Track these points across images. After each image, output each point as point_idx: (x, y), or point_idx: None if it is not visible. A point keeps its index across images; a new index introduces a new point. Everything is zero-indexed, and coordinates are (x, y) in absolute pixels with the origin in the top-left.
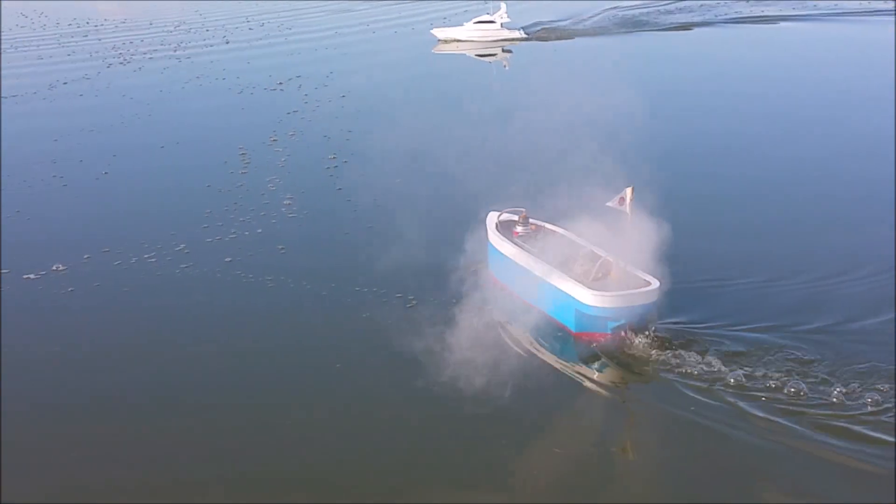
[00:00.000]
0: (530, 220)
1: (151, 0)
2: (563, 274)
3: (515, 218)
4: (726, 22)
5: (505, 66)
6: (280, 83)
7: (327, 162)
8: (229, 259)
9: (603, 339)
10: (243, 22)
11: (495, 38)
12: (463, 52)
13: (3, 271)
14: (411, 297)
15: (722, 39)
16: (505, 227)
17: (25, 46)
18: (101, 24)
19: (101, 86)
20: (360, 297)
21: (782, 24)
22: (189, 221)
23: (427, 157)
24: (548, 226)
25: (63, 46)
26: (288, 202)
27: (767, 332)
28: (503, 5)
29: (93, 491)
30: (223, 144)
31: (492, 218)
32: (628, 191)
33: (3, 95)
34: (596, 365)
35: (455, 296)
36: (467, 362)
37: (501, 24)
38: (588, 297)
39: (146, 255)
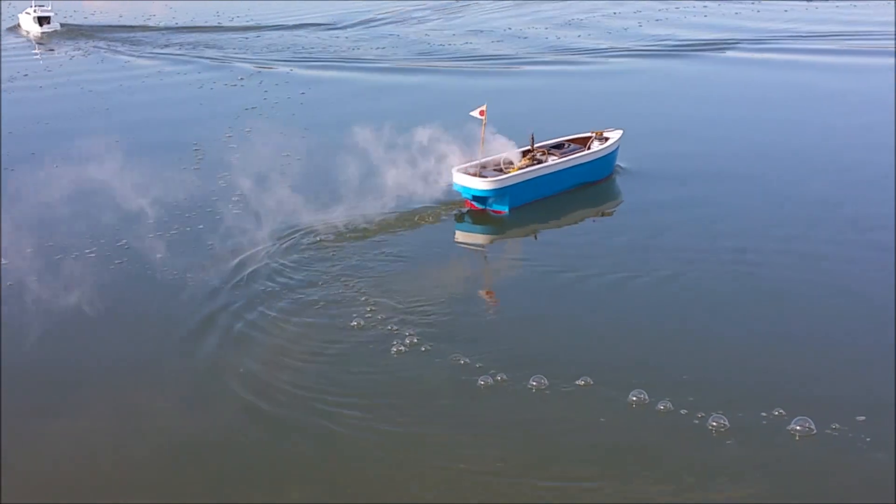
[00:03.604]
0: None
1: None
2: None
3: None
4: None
5: None
6: None
7: None
8: (160, 256)
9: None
10: (214, 15)
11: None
12: None
13: None
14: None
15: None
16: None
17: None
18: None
19: (61, 79)
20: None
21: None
22: (135, 217)
23: None
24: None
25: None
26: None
27: None
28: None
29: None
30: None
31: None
32: (484, 106)
33: None
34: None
35: None
36: None
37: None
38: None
39: (87, 251)
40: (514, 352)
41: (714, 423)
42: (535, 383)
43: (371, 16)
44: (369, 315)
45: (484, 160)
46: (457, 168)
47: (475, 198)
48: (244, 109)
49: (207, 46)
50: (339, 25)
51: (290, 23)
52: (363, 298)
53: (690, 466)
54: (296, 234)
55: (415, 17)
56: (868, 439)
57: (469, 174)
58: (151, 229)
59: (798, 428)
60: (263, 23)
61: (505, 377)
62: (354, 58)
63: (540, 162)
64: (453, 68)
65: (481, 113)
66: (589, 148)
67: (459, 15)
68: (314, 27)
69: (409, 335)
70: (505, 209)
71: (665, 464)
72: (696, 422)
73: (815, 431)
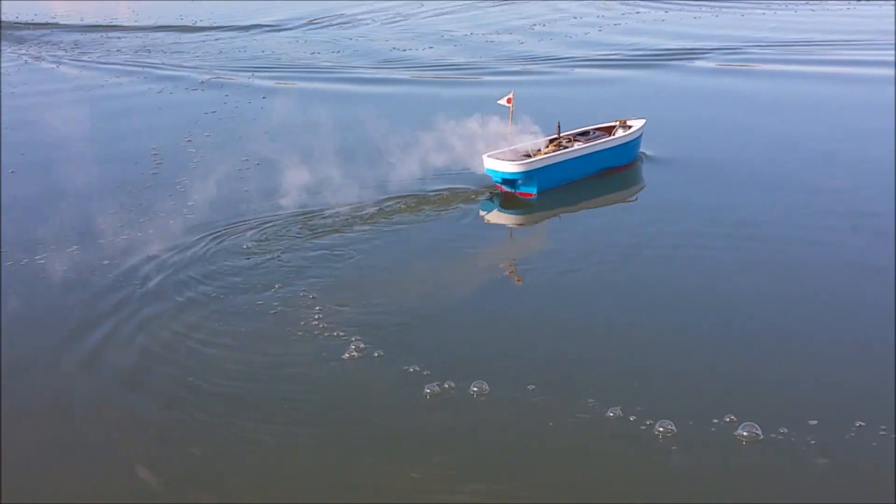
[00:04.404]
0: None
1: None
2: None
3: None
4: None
5: None
6: None
7: None
8: (106, 262)
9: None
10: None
11: None
12: None
13: None
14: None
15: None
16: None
17: None
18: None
19: (17, 83)
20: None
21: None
22: (89, 222)
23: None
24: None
25: None
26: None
27: None
28: None
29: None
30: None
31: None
32: (511, 94)
33: None
34: None
35: None
36: None
37: None
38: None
39: (37, 257)
40: (468, 357)
41: (661, 429)
42: (476, 389)
43: (329, 17)
44: (319, 319)
45: (512, 147)
46: (487, 154)
47: (504, 180)
48: (204, 114)
49: (166, 51)
50: (301, 28)
51: (246, 24)
52: (314, 300)
53: (632, 472)
54: (245, 232)
55: (373, 21)
56: (813, 442)
57: (499, 159)
58: (108, 233)
59: (745, 433)
60: (225, 25)
61: (452, 385)
62: (315, 66)
63: (566, 148)
64: (417, 78)
65: (508, 101)
66: (613, 135)
67: (420, 19)
68: (268, 29)
69: (358, 341)
70: (533, 191)
71: (607, 470)
72: (644, 428)
73: (761, 437)
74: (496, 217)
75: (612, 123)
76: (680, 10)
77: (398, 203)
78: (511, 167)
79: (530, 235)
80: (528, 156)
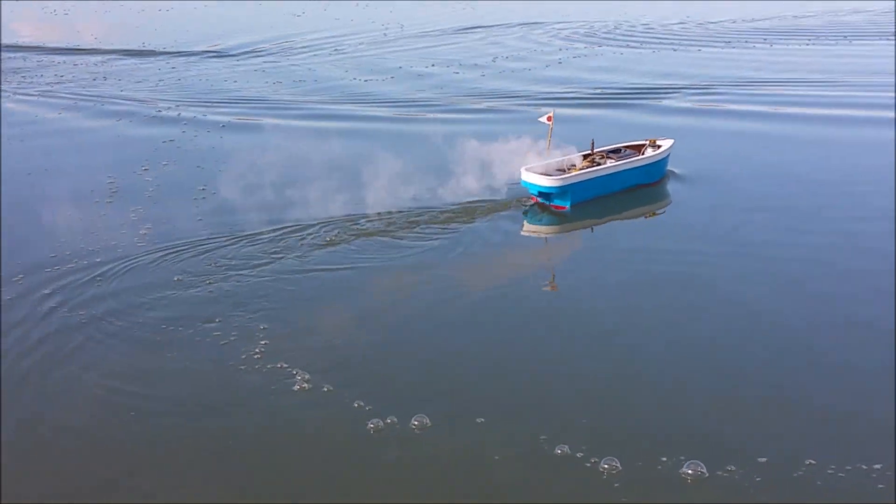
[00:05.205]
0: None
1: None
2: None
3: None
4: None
5: None
6: None
7: None
8: (47, 291)
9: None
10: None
11: None
12: None
13: None
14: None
15: None
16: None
17: None
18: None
19: None
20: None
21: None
22: (39, 250)
23: None
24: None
25: None
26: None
27: None
28: None
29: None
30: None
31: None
32: (551, 112)
33: None
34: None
35: None
36: None
37: None
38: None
39: None
40: (420, 390)
41: (606, 466)
42: (416, 422)
43: (290, 47)
44: (263, 353)
45: (549, 161)
46: (525, 167)
47: (541, 194)
48: (162, 142)
49: (122, 79)
50: (254, 56)
51: (208, 49)
52: (264, 330)
53: None
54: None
55: (343, 53)
56: (758, 479)
57: (536, 173)
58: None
59: (689, 472)
60: (184, 51)
61: (395, 419)
62: (276, 101)
63: (599, 164)
64: (377, 115)
65: (549, 118)
66: (643, 153)
67: (387, 49)
68: (234, 56)
69: (303, 373)
70: (567, 205)
71: None
72: (589, 465)
73: (706, 474)
74: (453, 254)
75: (643, 142)
76: (627, 47)
77: (359, 228)
78: (548, 181)
79: (480, 266)
80: (563, 170)
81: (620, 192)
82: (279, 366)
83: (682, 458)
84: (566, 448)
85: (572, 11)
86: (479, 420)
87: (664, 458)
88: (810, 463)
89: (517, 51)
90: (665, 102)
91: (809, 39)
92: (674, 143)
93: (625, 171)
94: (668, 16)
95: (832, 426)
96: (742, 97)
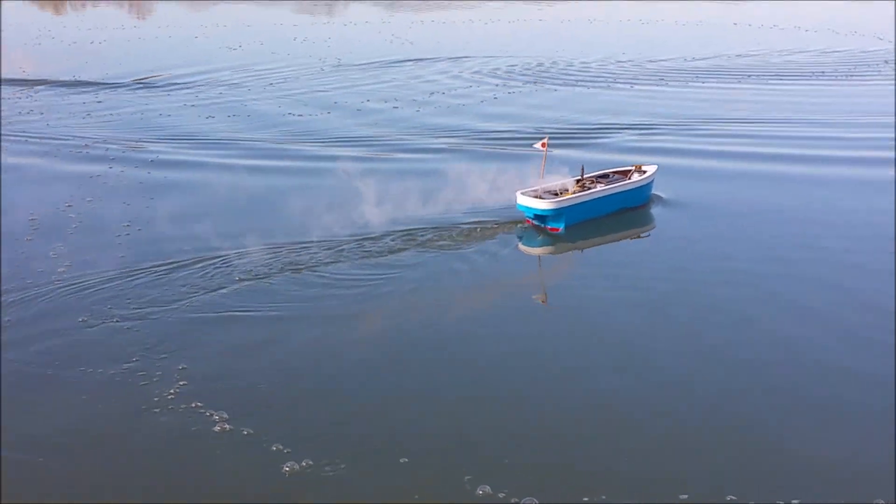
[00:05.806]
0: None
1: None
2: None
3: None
4: None
5: None
6: None
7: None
8: None
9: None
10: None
11: None
12: None
13: None
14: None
15: None
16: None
17: None
18: None
19: None
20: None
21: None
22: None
23: None
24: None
25: None
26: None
27: None
28: None
29: None
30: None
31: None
32: (545, 139)
33: None
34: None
35: None
36: None
37: None
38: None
39: None
40: (335, 430)
41: None
42: (329, 465)
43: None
44: (179, 393)
45: (543, 186)
46: (521, 191)
47: (536, 216)
48: (88, 178)
49: (51, 113)
50: (192, 88)
51: (142, 81)
52: (183, 370)
53: None
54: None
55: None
56: None
57: (532, 196)
58: None
59: None
60: (117, 82)
61: (310, 462)
62: (208, 136)
63: (589, 189)
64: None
65: (543, 145)
66: (630, 178)
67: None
68: (169, 87)
69: (222, 413)
70: (561, 227)
71: None
72: None
73: None
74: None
75: (629, 168)
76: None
77: (291, 263)
78: (543, 204)
79: (405, 298)
80: (556, 194)
81: (609, 214)
82: (194, 405)
83: (604, 497)
84: (487, 488)
85: (504, 47)
86: (402, 460)
87: (585, 498)
88: (731, 499)
89: (452, 88)
90: (606, 140)
91: (741, 79)
92: (657, 169)
93: (614, 194)
94: (600, 55)
95: (758, 462)
96: (683, 134)
